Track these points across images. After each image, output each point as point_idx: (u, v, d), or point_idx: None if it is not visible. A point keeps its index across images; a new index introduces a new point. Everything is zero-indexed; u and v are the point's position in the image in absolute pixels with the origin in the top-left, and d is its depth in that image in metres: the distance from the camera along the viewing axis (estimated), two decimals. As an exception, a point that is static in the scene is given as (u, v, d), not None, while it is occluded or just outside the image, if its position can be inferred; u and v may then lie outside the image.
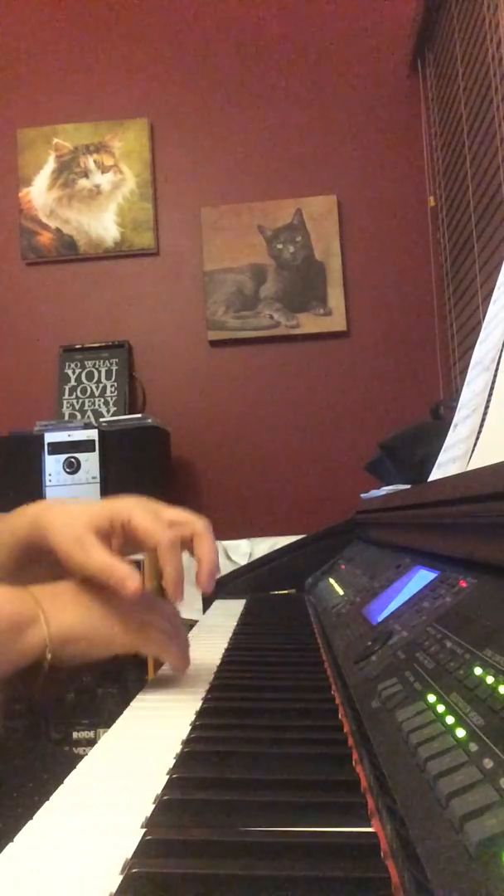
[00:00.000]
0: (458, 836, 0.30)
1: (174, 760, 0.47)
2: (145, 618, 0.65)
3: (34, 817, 0.40)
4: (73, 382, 2.72)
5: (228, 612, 1.17)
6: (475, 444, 0.79)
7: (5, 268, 2.82)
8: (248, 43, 2.81)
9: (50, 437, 2.33)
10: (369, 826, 0.36)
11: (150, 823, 0.37)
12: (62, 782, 0.45)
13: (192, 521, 0.70)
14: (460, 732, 0.37)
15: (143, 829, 0.36)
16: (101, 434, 2.33)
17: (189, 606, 1.25)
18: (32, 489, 2.31)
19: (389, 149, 2.74)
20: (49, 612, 0.61)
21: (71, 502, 0.71)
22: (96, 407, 2.70)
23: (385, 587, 0.83)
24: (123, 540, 0.69)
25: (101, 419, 2.58)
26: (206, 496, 2.66)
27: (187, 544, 0.69)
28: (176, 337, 2.75)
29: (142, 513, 0.68)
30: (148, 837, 0.35)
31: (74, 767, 0.48)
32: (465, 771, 0.33)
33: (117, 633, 0.63)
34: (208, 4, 2.83)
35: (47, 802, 0.42)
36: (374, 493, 1.50)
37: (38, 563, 0.71)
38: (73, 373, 2.73)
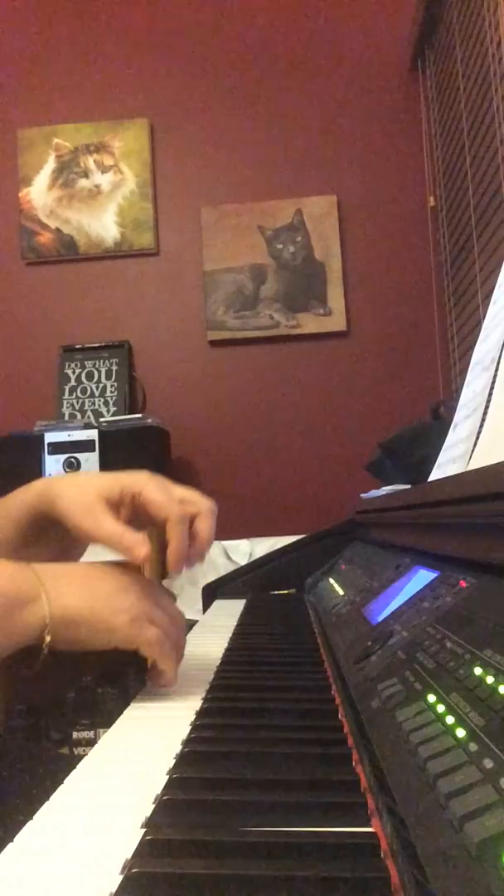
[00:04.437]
0: (458, 836, 0.30)
1: (174, 760, 0.47)
2: (151, 613, 0.62)
3: (34, 817, 0.40)
4: (73, 382, 2.72)
5: (228, 612, 1.17)
6: (475, 444, 0.79)
7: (5, 268, 2.82)
8: (248, 43, 2.81)
9: (50, 437, 2.33)
10: (369, 826, 0.36)
11: (150, 823, 0.37)
12: (62, 782, 0.45)
13: (199, 501, 0.72)
14: (460, 732, 0.37)
15: (143, 829, 0.36)
16: (101, 434, 2.33)
17: (189, 606, 1.25)
18: (32, 489, 2.31)
19: (389, 149, 2.74)
20: (52, 592, 0.59)
21: (80, 474, 0.72)
22: (96, 407, 2.70)
23: (385, 587, 0.83)
24: (132, 512, 0.69)
25: (101, 419, 2.58)
26: (206, 496, 2.65)
27: (191, 522, 0.70)
28: (176, 337, 2.75)
29: (154, 487, 0.70)
30: (148, 837, 0.35)
31: (74, 767, 0.48)
32: (465, 771, 0.33)
33: (120, 624, 0.60)
34: (208, 5, 2.83)
35: (47, 802, 0.42)
36: (374, 493, 1.50)
37: (46, 535, 0.72)
38: (73, 373, 2.73)
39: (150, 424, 2.40)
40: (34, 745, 0.75)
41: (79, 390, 2.71)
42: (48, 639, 0.58)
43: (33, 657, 0.58)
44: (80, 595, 0.60)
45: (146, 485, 0.70)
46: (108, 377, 2.71)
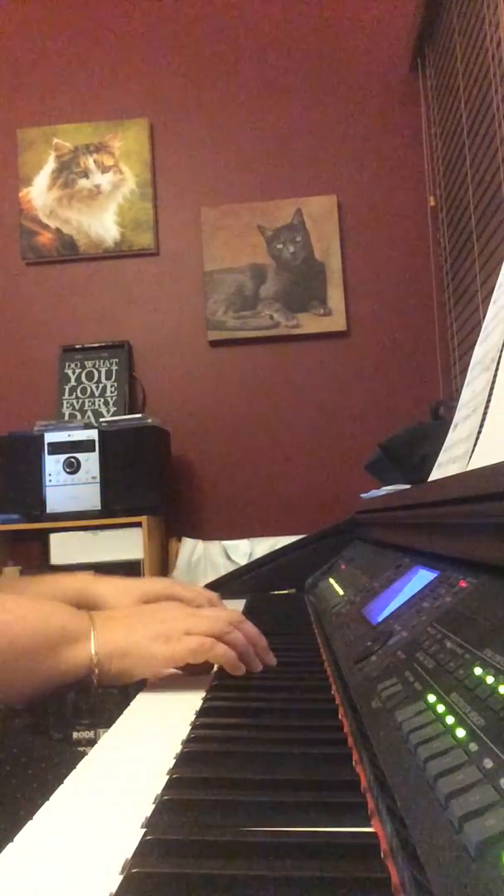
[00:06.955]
0: (458, 836, 0.30)
1: (174, 760, 0.47)
2: (186, 626, 0.68)
3: (34, 817, 0.40)
4: (73, 382, 2.72)
5: (228, 612, 1.17)
6: (475, 444, 0.79)
7: (5, 268, 2.82)
8: (248, 43, 2.81)
9: (50, 437, 2.33)
10: (369, 826, 0.36)
11: (150, 823, 0.37)
12: (62, 782, 0.45)
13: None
14: (460, 732, 0.37)
15: (143, 829, 0.36)
16: (101, 434, 2.33)
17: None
18: (32, 489, 2.31)
19: (389, 149, 2.74)
20: (99, 632, 0.66)
21: (112, 579, 0.85)
22: (96, 407, 2.70)
23: (385, 587, 0.83)
24: None
25: (101, 419, 2.58)
26: (206, 496, 2.66)
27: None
28: (176, 337, 2.75)
29: (182, 588, 0.84)
30: (148, 837, 0.35)
31: (74, 767, 0.48)
32: (465, 771, 0.33)
33: (157, 648, 0.66)
34: (208, 4, 2.83)
35: (47, 802, 0.42)
36: (374, 493, 1.50)
37: None
38: (73, 373, 2.73)
39: (150, 424, 2.40)
40: (35, 745, 0.76)
41: (79, 390, 2.71)
42: (97, 671, 0.65)
43: (85, 691, 0.66)
44: (124, 631, 0.68)
45: (173, 586, 0.84)
46: (108, 377, 2.71)
